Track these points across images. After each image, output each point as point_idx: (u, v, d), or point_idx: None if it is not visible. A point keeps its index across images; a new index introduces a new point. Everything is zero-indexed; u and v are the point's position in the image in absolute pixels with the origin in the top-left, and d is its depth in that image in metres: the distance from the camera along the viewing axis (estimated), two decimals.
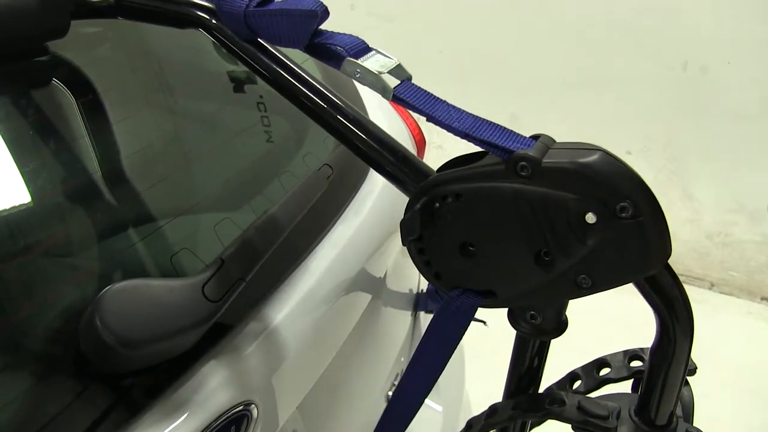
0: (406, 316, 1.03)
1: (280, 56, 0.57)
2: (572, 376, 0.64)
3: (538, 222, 0.45)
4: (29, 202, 0.54)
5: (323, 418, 0.73)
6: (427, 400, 1.11)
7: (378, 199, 0.76)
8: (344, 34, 0.53)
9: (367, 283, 0.75)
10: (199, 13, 0.58)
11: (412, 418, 0.59)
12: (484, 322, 0.79)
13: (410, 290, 1.04)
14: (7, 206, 0.53)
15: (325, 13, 0.52)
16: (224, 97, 0.86)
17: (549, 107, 3.05)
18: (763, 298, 2.73)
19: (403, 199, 0.51)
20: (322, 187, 0.67)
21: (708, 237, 2.88)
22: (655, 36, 2.75)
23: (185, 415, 0.50)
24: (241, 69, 0.86)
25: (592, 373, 0.64)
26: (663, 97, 2.82)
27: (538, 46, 2.97)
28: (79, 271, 0.55)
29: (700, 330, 1.90)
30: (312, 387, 0.67)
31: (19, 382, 0.46)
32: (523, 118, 3.11)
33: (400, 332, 1.00)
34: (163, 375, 0.51)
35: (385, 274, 0.83)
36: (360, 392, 0.85)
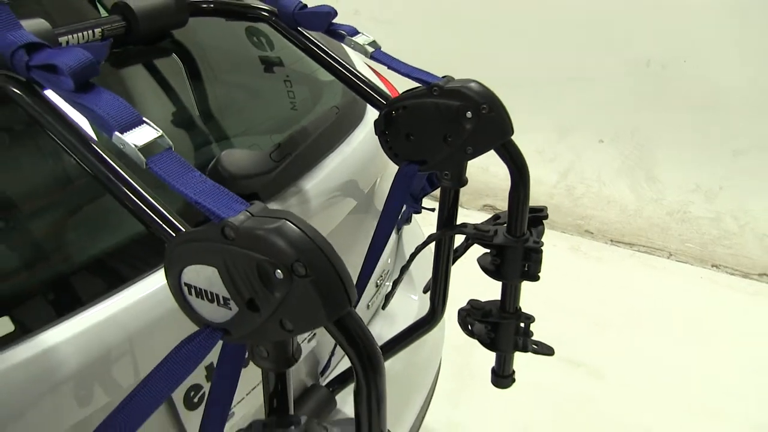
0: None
1: (311, 38, 1.01)
2: None
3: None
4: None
5: None
6: (404, 292, 1.51)
7: (370, 131, 1.18)
8: (347, 24, 0.96)
9: (361, 182, 1.18)
10: (264, 13, 1.02)
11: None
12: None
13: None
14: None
15: (335, 14, 0.96)
16: (260, 74, 1.30)
17: (532, 102, 3.27)
18: (713, 265, 3.04)
19: None
20: (333, 117, 1.10)
21: (669, 214, 3.19)
22: (622, 37, 3.03)
23: None
24: (272, 55, 1.30)
25: None
26: (630, 91, 3.10)
27: (523, 47, 3.24)
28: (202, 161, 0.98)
29: (659, 290, 2.38)
30: None
31: None
32: (510, 111, 3.48)
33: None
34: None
35: (375, 184, 1.27)
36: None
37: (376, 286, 1.41)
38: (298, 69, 1.30)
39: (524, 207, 0.93)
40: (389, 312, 1.45)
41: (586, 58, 3.15)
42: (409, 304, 1.50)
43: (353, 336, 0.55)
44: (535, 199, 3.22)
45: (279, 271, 0.52)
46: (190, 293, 0.58)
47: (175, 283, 0.58)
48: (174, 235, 0.58)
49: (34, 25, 0.72)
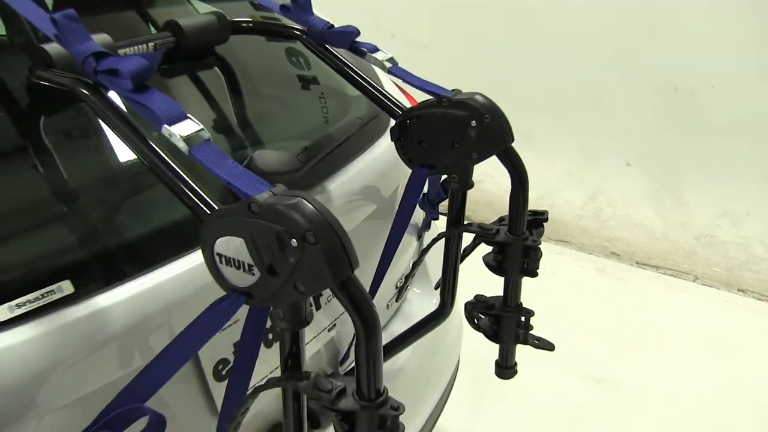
0: (412, 234, 1.55)
1: (338, 54, 1.13)
2: None
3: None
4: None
5: None
6: (423, 295, 1.60)
7: (389, 143, 1.29)
8: (368, 42, 1.08)
9: (381, 188, 1.29)
10: (296, 32, 1.14)
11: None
12: None
13: (415, 223, 1.56)
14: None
15: (358, 33, 1.07)
16: (297, 90, 1.42)
17: (559, 126, 3.43)
18: (739, 290, 3.05)
19: None
20: (356, 126, 1.22)
21: (696, 238, 3.21)
22: (650, 63, 3.09)
23: None
24: (308, 73, 1.42)
25: None
26: (658, 116, 3.16)
27: (552, 71, 3.33)
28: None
29: (683, 312, 2.46)
30: None
31: None
32: (536, 135, 3.46)
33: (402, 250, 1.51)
34: None
35: (396, 191, 1.37)
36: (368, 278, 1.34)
37: (396, 287, 1.51)
38: (331, 86, 1.43)
39: (523, 208, 1.03)
40: (408, 312, 1.55)
41: (614, 83, 3.23)
42: (428, 307, 1.59)
43: (354, 297, 0.65)
44: (563, 220, 3.33)
45: (294, 239, 0.62)
46: (221, 262, 0.69)
47: (209, 253, 0.69)
48: (209, 212, 0.70)
49: (99, 39, 0.85)
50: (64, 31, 0.76)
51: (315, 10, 1.14)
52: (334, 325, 1.23)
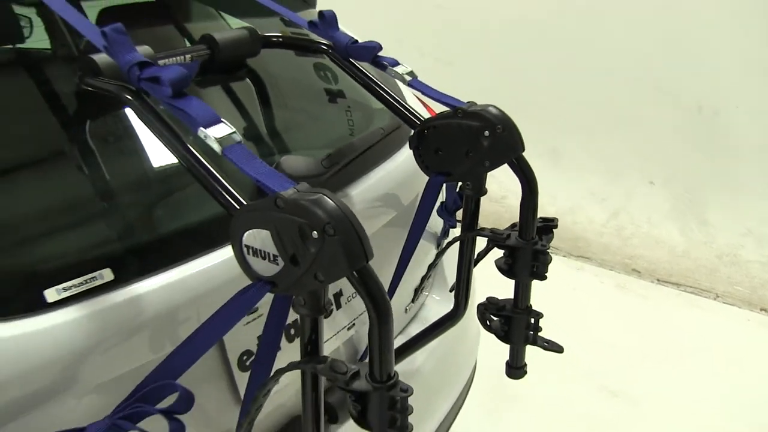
0: (431, 242, 1.61)
1: (361, 67, 1.20)
2: None
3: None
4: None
5: None
6: (441, 301, 1.65)
7: (409, 154, 1.36)
8: (389, 57, 1.15)
9: (401, 196, 1.35)
10: (323, 46, 1.22)
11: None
12: None
13: (434, 231, 1.61)
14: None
15: (380, 48, 1.14)
16: (325, 103, 1.50)
17: (584, 143, 3.47)
18: (762, 309, 3.04)
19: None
20: (378, 136, 1.29)
21: (718, 257, 3.21)
22: (674, 84, 3.14)
23: None
24: (334, 88, 1.50)
25: None
26: (682, 135, 3.20)
27: (574, 89, 3.38)
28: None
29: (703, 329, 2.49)
30: None
31: None
32: (561, 153, 3.54)
33: (422, 257, 1.56)
34: None
35: (416, 199, 1.43)
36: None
37: (414, 292, 1.56)
38: (356, 99, 1.50)
39: (533, 214, 1.08)
40: (426, 317, 1.60)
41: (640, 102, 3.27)
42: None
43: (368, 285, 0.71)
44: (585, 237, 3.35)
45: (315, 231, 0.68)
46: (248, 253, 0.75)
47: (237, 245, 0.76)
48: (238, 207, 0.77)
49: (142, 50, 0.93)
50: (112, 43, 0.84)
51: (348, 29, 1.21)
52: (353, 324, 1.29)
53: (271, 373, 0.84)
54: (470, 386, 1.73)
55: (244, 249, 0.75)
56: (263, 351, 0.87)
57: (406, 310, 1.53)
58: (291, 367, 0.80)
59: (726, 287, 3.17)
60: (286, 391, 1.18)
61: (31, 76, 1.06)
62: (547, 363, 2.45)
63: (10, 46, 1.09)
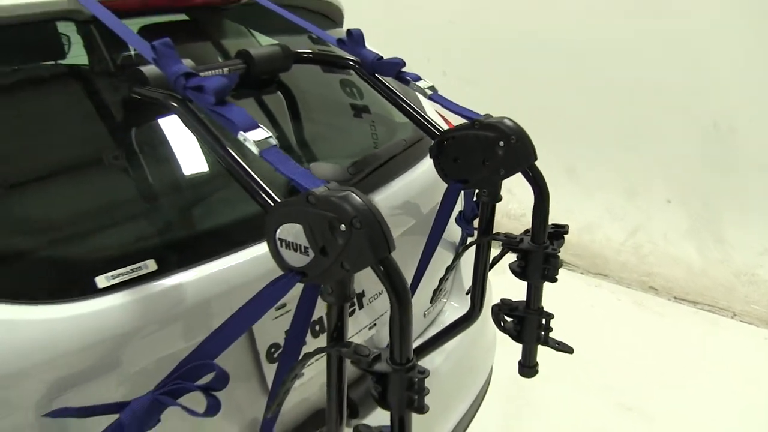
0: (450, 251, 1.67)
1: (386, 82, 1.28)
2: None
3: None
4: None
5: None
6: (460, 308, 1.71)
7: (430, 165, 1.43)
8: (412, 72, 1.23)
9: (421, 204, 1.42)
10: (351, 62, 1.30)
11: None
12: None
13: (453, 241, 1.68)
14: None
15: (404, 64, 1.22)
16: (351, 116, 1.58)
17: (600, 161, 3.52)
18: None
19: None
20: (401, 147, 1.36)
21: (735, 275, 3.23)
22: (691, 101, 3.16)
23: None
24: (360, 103, 1.58)
25: None
26: (698, 152, 3.23)
27: (591, 107, 3.43)
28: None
29: (719, 347, 2.54)
30: None
31: None
32: (579, 171, 3.59)
33: (440, 264, 1.63)
34: None
35: (436, 207, 1.51)
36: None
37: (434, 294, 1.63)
38: (381, 113, 1.58)
39: (545, 219, 1.15)
40: (445, 323, 1.67)
41: (655, 120, 3.31)
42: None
43: (391, 274, 0.78)
44: (602, 254, 3.41)
45: (343, 225, 0.75)
46: (281, 245, 0.83)
47: (272, 238, 0.84)
48: (273, 204, 0.85)
49: (185, 63, 1.02)
50: (161, 56, 0.93)
51: (379, 49, 1.30)
52: (375, 324, 1.36)
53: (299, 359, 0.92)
54: (486, 390, 1.78)
55: (278, 242, 0.83)
56: (290, 343, 0.94)
57: (425, 314, 1.60)
58: (319, 351, 0.87)
59: (743, 306, 3.18)
60: (311, 386, 1.25)
61: (77, 87, 1.16)
62: (564, 377, 2.51)
63: (54, 62, 1.19)
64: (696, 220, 3.36)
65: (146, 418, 0.84)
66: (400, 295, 0.79)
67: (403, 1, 3.89)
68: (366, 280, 1.32)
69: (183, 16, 1.38)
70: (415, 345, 1.29)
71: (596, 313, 3.13)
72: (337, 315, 0.87)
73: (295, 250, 0.82)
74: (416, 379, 0.83)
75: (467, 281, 1.74)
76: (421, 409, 0.84)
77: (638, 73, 3.29)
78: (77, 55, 1.23)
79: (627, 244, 3.52)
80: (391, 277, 0.78)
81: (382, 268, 0.78)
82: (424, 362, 1.43)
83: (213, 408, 0.84)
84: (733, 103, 3.10)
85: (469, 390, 1.66)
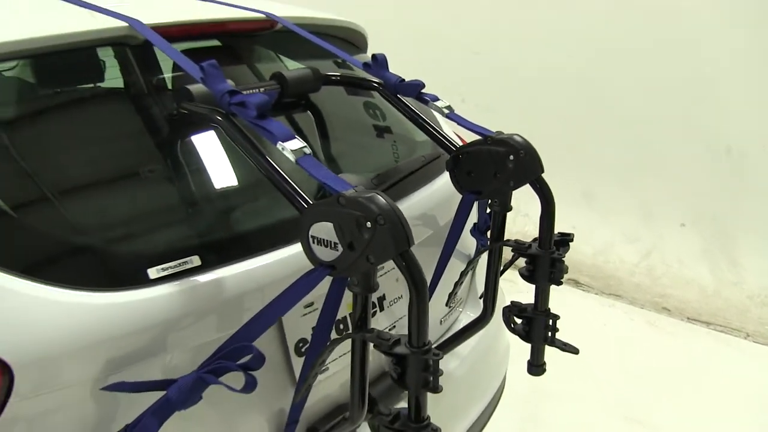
0: (463, 263, 1.77)
1: (406, 102, 1.40)
2: None
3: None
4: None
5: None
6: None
7: (447, 180, 1.54)
8: (430, 93, 1.35)
9: (438, 216, 1.53)
10: (375, 84, 1.43)
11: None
12: None
13: (469, 253, 1.78)
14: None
15: (424, 86, 1.34)
16: (374, 136, 1.71)
17: (615, 186, 3.62)
18: None
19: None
20: (420, 163, 1.48)
21: (749, 297, 3.29)
22: (703, 126, 3.28)
23: None
24: (382, 123, 1.71)
25: None
26: (711, 177, 3.32)
27: (608, 134, 3.55)
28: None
29: (731, 367, 2.62)
30: None
31: None
32: (595, 194, 3.69)
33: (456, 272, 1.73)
34: None
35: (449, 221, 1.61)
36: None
37: (449, 306, 1.73)
38: (402, 133, 1.70)
39: (551, 227, 1.26)
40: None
41: (668, 145, 3.42)
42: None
43: (410, 266, 0.89)
44: (616, 276, 3.50)
45: (369, 222, 0.87)
46: (314, 242, 0.94)
47: (305, 235, 0.95)
48: (306, 206, 0.96)
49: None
50: (208, 75, 1.06)
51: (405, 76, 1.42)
52: (394, 326, 1.46)
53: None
54: (500, 397, 1.87)
55: (311, 239, 0.94)
56: (317, 336, 1.04)
57: (441, 321, 1.70)
58: (345, 336, 0.98)
59: (757, 327, 3.23)
60: (333, 382, 1.35)
61: (130, 105, 1.29)
62: (575, 391, 2.58)
63: (93, 85, 1.33)
64: (709, 243, 3.44)
65: (190, 394, 0.95)
66: (418, 285, 0.90)
67: (431, 33, 4.03)
68: (386, 285, 1.43)
69: (216, 42, 1.51)
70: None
71: (609, 332, 3.20)
72: (361, 304, 0.97)
73: (326, 246, 0.93)
74: (431, 361, 0.93)
75: (480, 286, 1.84)
76: (436, 389, 0.94)
77: (653, 101, 3.40)
78: (113, 77, 1.37)
79: (641, 265, 3.59)
80: (410, 269, 0.89)
81: (402, 261, 0.89)
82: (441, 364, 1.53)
83: (250, 385, 0.94)
84: (746, 129, 3.20)
85: (484, 393, 1.74)
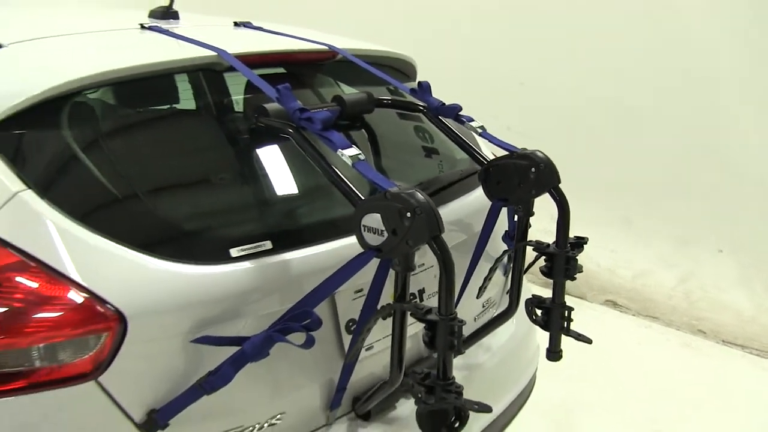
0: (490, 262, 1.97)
1: (445, 122, 1.63)
2: None
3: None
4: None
5: None
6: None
7: (479, 194, 1.73)
8: (466, 115, 1.57)
9: (473, 224, 1.74)
10: (420, 107, 1.67)
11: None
12: None
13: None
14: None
15: (461, 108, 1.57)
16: (421, 156, 1.94)
17: (654, 212, 3.72)
18: None
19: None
20: (458, 176, 1.70)
21: None
22: (739, 155, 3.40)
23: None
24: (429, 145, 1.94)
25: None
26: (749, 204, 3.41)
27: (646, 163, 3.66)
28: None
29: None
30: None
31: None
32: (633, 219, 3.79)
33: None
34: None
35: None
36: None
37: (483, 306, 1.93)
38: (446, 153, 1.93)
39: (566, 229, 1.46)
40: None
41: (706, 173, 3.53)
42: (509, 327, 1.99)
43: (441, 246, 1.12)
44: (653, 299, 3.68)
45: (408, 212, 1.09)
46: (364, 230, 1.17)
47: (358, 224, 1.18)
48: (359, 200, 1.20)
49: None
50: (282, 96, 1.31)
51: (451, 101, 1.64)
52: None
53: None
54: (529, 394, 2.04)
55: (362, 228, 1.17)
56: (365, 310, 1.27)
57: (475, 319, 1.90)
58: (388, 307, 1.20)
59: None
60: (374, 361, 1.56)
61: (215, 121, 1.56)
62: (605, 404, 2.72)
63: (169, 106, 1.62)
64: (747, 269, 3.51)
65: (261, 349, 1.19)
66: (447, 263, 1.12)
67: (479, 65, 4.24)
68: (426, 280, 1.64)
69: (281, 69, 1.77)
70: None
71: (643, 351, 3.31)
72: (402, 281, 1.20)
73: (374, 233, 1.16)
74: (456, 327, 1.14)
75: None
76: (459, 351, 1.15)
77: (690, 131, 3.52)
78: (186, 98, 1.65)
79: (678, 289, 3.70)
80: (441, 250, 1.11)
81: (435, 244, 1.11)
82: (469, 354, 1.73)
83: (309, 342, 1.18)
84: None
85: (512, 387, 1.93)
